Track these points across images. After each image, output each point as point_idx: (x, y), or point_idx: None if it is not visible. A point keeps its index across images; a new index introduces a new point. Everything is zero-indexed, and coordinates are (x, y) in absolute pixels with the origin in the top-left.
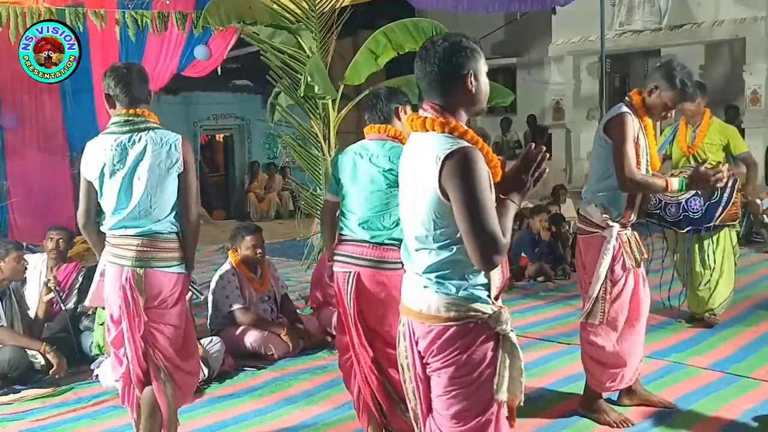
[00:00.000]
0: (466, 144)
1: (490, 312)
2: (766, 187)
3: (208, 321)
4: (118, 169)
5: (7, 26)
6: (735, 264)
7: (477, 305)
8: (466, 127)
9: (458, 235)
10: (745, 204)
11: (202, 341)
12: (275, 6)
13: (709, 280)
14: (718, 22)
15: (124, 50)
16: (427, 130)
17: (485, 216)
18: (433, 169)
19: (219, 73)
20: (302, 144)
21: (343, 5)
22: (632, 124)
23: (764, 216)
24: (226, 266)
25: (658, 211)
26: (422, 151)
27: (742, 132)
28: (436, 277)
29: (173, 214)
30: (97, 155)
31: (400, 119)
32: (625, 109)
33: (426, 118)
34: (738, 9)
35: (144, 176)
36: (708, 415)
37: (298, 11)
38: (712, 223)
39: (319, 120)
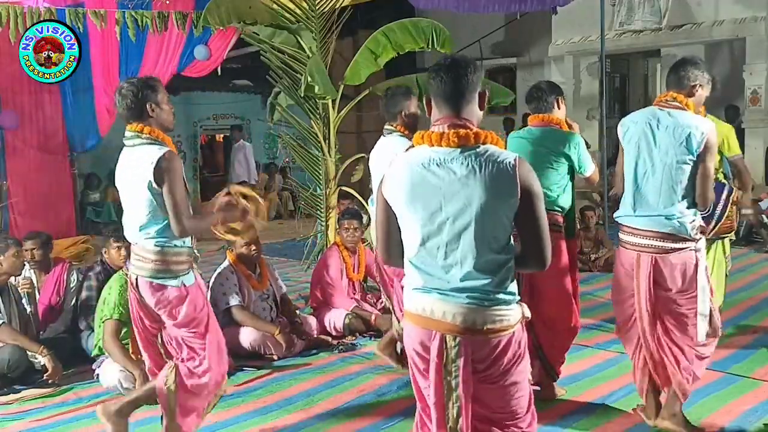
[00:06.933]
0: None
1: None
2: (766, 188)
3: None
4: None
5: (7, 26)
6: (726, 275)
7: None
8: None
9: (511, 241)
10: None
11: None
12: (275, 6)
13: None
14: (718, 22)
15: (124, 50)
16: (483, 143)
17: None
18: (509, 178)
19: (219, 73)
20: (302, 144)
21: (343, 5)
22: None
23: (764, 216)
24: (225, 264)
25: None
26: (483, 164)
27: (741, 132)
28: (502, 287)
29: None
30: None
31: (559, 108)
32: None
33: (475, 131)
34: (738, 9)
35: None
36: (708, 415)
37: (298, 11)
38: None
39: (319, 120)
